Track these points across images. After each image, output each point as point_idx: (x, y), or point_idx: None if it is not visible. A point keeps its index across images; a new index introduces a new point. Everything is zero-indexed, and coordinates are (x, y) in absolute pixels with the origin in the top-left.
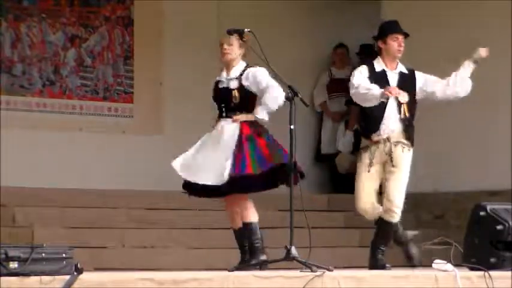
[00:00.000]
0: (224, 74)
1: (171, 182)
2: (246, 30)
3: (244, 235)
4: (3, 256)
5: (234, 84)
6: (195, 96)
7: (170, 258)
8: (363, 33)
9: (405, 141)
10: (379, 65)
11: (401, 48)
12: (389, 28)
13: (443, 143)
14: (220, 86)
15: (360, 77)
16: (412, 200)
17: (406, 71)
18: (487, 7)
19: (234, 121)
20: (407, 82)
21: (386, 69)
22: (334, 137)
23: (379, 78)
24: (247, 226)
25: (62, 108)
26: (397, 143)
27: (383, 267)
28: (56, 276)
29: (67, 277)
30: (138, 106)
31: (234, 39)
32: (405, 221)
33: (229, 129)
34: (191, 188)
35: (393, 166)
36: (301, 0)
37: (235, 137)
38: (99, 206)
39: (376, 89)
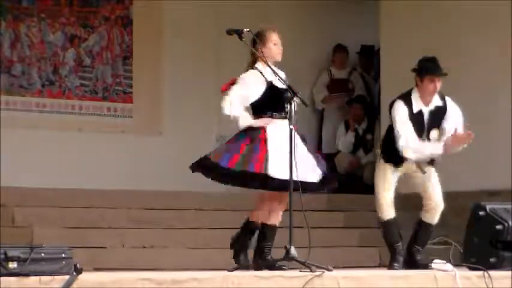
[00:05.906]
0: (272, 74)
1: (170, 182)
2: (245, 30)
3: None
4: (2, 256)
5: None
6: (195, 96)
7: (170, 258)
8: (362, 33)
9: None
10: (416, 103)
11: (437, 89)
12: (426, 68)
13: None
14: (279, 86)
15: (407, 129)
16: (412, 199)
17: (440, 104)
18: (487, 7)
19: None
20: (436, 118)
21: (422, 107)
22: (335, 137)
23: (415, 119)
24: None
25: (61, 108)
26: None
27: (426, 267)
28: (55, 277)
29: (66, 277)
30: (137, 106)
31: None
32: (405, 220)
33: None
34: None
35: (425, 172)
36: (300, 0)
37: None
38: (98, 206)
39: (429, 149)
